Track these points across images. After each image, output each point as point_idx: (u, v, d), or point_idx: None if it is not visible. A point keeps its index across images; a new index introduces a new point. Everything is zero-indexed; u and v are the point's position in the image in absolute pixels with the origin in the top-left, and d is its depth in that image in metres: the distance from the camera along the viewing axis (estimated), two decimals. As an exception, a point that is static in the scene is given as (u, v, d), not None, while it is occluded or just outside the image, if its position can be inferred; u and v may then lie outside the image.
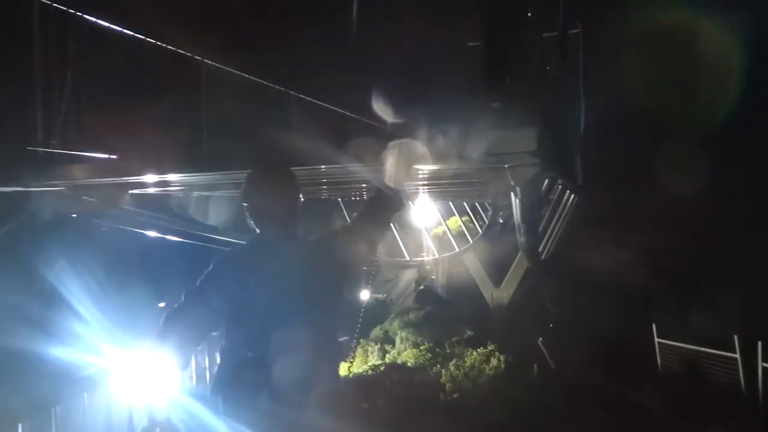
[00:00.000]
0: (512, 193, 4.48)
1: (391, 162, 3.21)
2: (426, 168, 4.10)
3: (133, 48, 5.59)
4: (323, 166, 5.15)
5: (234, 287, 2.93)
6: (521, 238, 7.21)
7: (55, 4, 4.85)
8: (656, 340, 13.65)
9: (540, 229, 7.36)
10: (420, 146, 3.44)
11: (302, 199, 3.14)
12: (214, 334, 3.21)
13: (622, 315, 14.60)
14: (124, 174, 5.15)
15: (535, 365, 13.23)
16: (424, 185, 6.98)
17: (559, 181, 5.53)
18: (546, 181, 4.67)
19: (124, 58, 5.45)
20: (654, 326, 13.74)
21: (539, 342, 14.67)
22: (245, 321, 2.94)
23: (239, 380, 2.95)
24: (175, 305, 2.93)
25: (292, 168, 3.25)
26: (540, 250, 10.34)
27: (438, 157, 3.73)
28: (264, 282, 2.91)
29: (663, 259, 16.00)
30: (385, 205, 3.25)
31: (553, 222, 8.57)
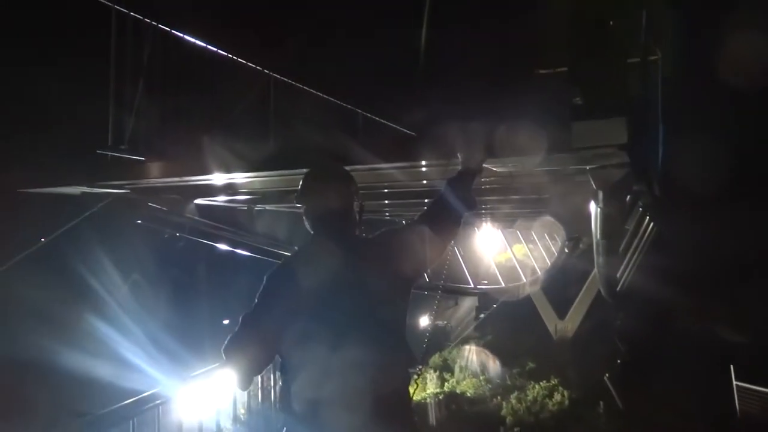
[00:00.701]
0: (592, 201, 4.16)
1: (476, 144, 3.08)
2: (498, 168, 3.85)
3: (204, 58, 5.64)
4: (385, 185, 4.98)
5: (288, 303, 2.78)
6: (599, 259, 6.74)
7: (132, 13, 4.93)
8: (734, 383, 12.82)
9: (620, 249, 6.89)
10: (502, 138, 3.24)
11: (360, 199, 3.03)
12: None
13: (697, 354, 13.80)
14: (189, 182, 5.14)
15: (601, 403, 12.63)
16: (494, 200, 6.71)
17: (641, 203, 5.16)
18: (633, 190, 4.33)
19: (196, 68, 5.49)
20: (732, 368, 12.93)
21: (606, 379, 14.08)
22: (304, 338, 2.76)
23: (302, 405, 2.81)
24: (233, 334, 2.81)
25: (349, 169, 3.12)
26: (617, 276, 9.77)
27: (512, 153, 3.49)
28: (320, 290, 2.75)
29: (744, 302, 15.11)
30: (459, 200, 3.04)
31: (632, 248, 8.06)
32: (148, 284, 5.76)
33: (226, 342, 2.77)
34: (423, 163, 4.17)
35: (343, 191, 2.96)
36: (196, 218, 5.80)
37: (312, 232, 2.94)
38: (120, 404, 3.58)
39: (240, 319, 2.81)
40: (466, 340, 18.94)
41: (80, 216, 4.97)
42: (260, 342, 2.80)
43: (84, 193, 5.14)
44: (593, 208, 4.51)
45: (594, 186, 3.47)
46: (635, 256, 9.68)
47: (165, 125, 5.20)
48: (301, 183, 2.97)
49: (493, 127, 3.21)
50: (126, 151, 4.87)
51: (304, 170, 3.02)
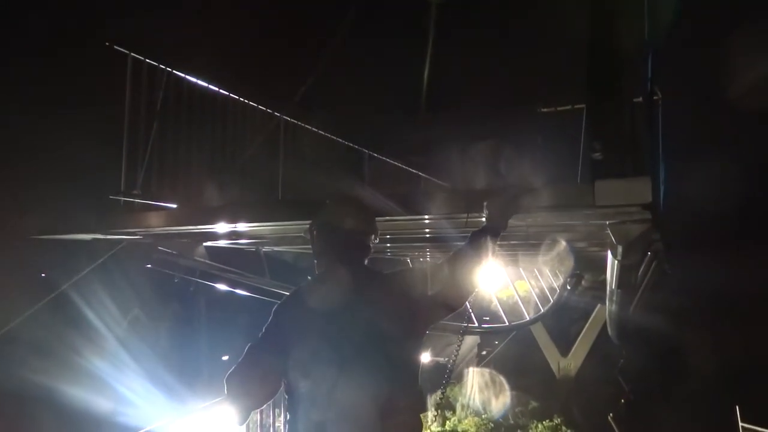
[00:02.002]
0: (609, 254, 4.17)
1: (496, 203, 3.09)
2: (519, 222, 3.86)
3: (215, 103, 5.70)
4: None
5: (296, 333, 2.77)
6: (612, 306, 6.73)
7: (147, 60, 4.99)
8: (740, 424, 12.65)
9: (635, 300, 6.91)
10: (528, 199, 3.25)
11: (375, 233, 3.03)
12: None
13: (701, 395, 13.68)
14: (200, 225, 5.15)
15: (606, 444, 12.50)
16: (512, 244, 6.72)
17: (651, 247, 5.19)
18: (653, 246, 4.35)
19: (208, 113, 5.55)
20: (738, 409, 12.78)
21: (610, 418, 13.94)
22: (308, 373, 2.73)
23: None
24: (237, 364, 2.78)
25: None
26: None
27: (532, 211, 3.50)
28: (331, 319, 2.73)
29: (750, 341, 15.03)
30: (481, 249, 2.96)
31: (640, 289, 8.10)
32: (155, 326, 5.74)
33: (229, 372, 2.74)
34: (434, 216, 4.16)
35: (363, 224, 2.99)
36: (205, 261, 5.81)
37: (323, 262, 2.95)
38: None
39: (245, 349, 2.78)
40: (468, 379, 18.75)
41: (92, 261, 4.97)
42: (264, 373, 2.77)
43: (95, 239, 5.16)
44: (610, 259, 4.52)
45: (614, 240, 3.48)
46: (640, 295, 9.69)
47: (176, 170, 5.23)
48: (321, 213, 2.98)
49: (523, 189, 3.23)
50: (138, 196, 4.89)
51: (310, 220, 3.00)
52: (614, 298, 5.99)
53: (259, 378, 2.77)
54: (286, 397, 2.86)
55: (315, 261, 3.02)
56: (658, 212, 3.35)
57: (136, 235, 5.04)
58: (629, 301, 6.76)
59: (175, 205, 5.04)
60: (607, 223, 3.39)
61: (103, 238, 5.08)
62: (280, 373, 2.80)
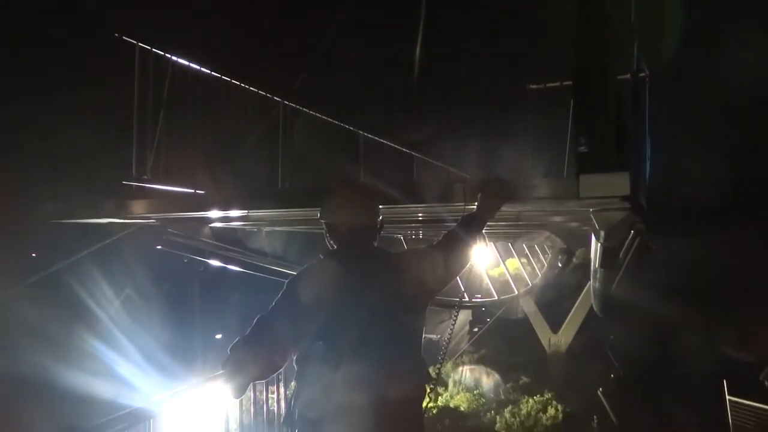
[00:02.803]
0: (593, 237, 4.56)
1: (489, 193, 3.43)
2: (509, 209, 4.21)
3: (218, 90, 5.98)
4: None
5: (313, 309, 2.88)
6: (596, 284, 7.17)
7: (154, 49, 5.28)
8: (727, 397, 13.15)
9: (618, 277, 7.35)
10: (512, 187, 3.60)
11: (381, 217, 3.26)
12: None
13: (691, 369, 14.13)
14: (207, 208, 5.48)
15: (595, 417, 12.95)
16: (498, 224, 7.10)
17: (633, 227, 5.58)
18: (632, 227, 4.71)
19: (211, 99, 5.84)
20: (725, 383, 13.27)
21: (599, 393, 14.36)
22: (326, 342, 2.89)
23: (320, 404, 2.89)
24: (246, 334, 2.87)
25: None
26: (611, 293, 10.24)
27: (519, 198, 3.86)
28: (343, 299, 2.90)
29: (737, 314, 15.50)
30: (471, 232, 3.34)
31: (624, 265, 8.53)
32: (167, 304, 6.04)
33: (236, 341, 2.82)
34: (431, 205, 4.52)
35: (371, 208, 3.22)
36: (211, 242, 6.15)
37: (338, 245, 3.13)
38: (110, 417, 3.49)
39: (255, 320, 2.87)
40: (459, 354, 19.22)
41: (105, 244, 5.28)
42: (274, 345, 2.85)
43: (110, 223, 5.48)
44: (593, 241, 4.91)
45: (597, 226, 3.87)
46: (625, 272, 10.09)
47: (183, 156, 5.54)
48: (326, 209, 3.18)
49: (515, 182, 3.57)
50: (148, 180, 5.22)
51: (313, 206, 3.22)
52: (597, 276, 6.41)
53: (269, 349, 2.85)
54: (296, 367, 2.98)
55: (328, 241, 3.20)
56: (638, 202, 3.73)
57: (150, 220, 5.37)
58: (612, 279, 7.18)
59: (182, 189, 5.37)
60: (591, 210, 3.77)
61: (118, 222, 5.42)
62: (291, 346, 2.91)
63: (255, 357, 2.83)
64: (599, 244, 4.59)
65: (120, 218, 5.29)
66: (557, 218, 5.83)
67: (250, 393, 4.53)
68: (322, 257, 3.14)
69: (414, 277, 3.11)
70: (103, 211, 5.28)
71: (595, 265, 5.77)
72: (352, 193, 3.35)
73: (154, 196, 5.31)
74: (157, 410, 3.56)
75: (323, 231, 3.21)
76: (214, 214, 5.43)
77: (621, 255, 5.46)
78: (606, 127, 3.58)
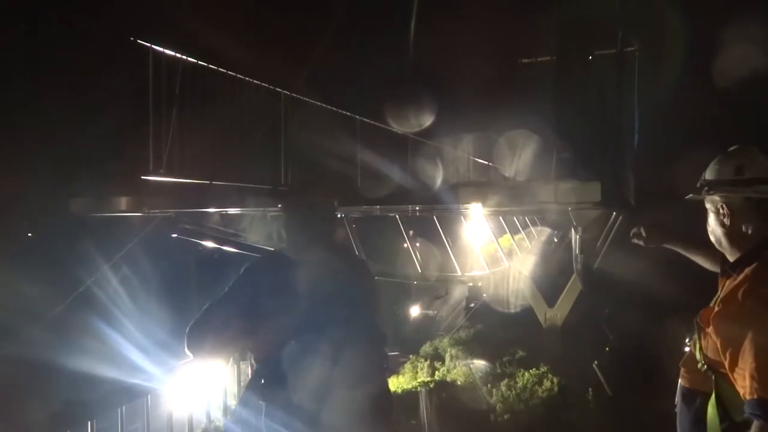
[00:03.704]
0: (573, 230, 5.15)
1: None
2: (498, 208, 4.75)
3: (226, 85, 6.49)
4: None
5: (280, 297, 3.04)
6: (577, 266, 7.81)
7: (166, 51, 5.77)
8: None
9: (597, 262, 8.02)
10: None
11: (334, 216, 3.46)
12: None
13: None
14: (219, 197, 6.03)
15: (590, 389, 13.51)
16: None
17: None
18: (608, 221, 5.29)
19: (219, 94, 6.35)
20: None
21: (594, 366, 14.89)
22: (298, 333, 3.04)
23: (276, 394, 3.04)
24: (204, 321, 3.05)
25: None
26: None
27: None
28: (320, 291, 3.07)
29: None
30: None
31: (606, 246, 9.19)
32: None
33: (193, 326, 3.00)
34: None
35: (329, 203, 3.42)
36: (222, 228, 6.70)
37: (296, 237, 3.29)
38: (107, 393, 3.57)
39: (214, 305, 3.06)
40: (455, 329, 19.80)
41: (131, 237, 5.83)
42: (235, 332, 3.06)
43: (133, 216, 6.02)
44: (573, 233, 5.52)
45: (574, 222, 4.47)
46: (604, 248, 10.64)
47: (195, 149, 6.08)
48: (285, 213, 3.35)
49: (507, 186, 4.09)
50: (164, 174, 5.76)
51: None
52: (578, 261, 7.04)
53: (229, 338, 3.08)
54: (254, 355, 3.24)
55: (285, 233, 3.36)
56: (611, 204, 4.31)
57: (168, 212, 5.92)
58: (592, 263, 7.81)
59: (195, 181, 5.92)
60: (570, 208, 4.35)
61: (139, 215, 5.97)
62: (249, 334, 3.10)
63: (214, 345, 3.10)
64: (578, 236, 5.19)
65: (141, 212, 5.84)
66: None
67: (248, 368, 4.54)
68: (282, 248, 3.42)
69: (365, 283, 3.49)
70: (125, 206, 5.82)
71: (575, 251, 6.40)
72: (312, 190, 3.59)
73: (169, 188, 5.85)
74: (155, 386, 3.56)
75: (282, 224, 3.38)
76: (222, 206, 5.97)
77: (599, 244, 6.04)
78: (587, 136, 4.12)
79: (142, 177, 5.64)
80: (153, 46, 5.65)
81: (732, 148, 2.81)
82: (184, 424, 4.00)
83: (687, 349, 3.26)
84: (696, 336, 3.01)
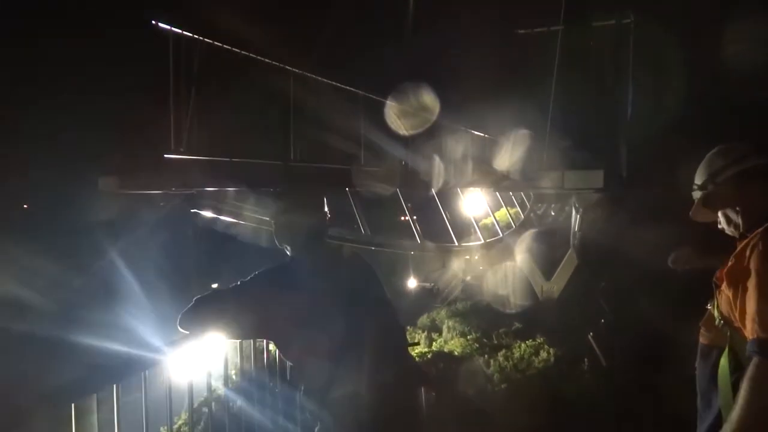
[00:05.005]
0: (574, 209, 5.58)
1: None
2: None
3: (242, 65, 6.81)
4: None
5: (289, 313, 3.08)
6: (575, 242, 8.24)
7: (185, 32, 6.08)
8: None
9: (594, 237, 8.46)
10: None
11: (327, 215, 3.44)
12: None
13: (679, 315, 15.06)
14: (236, 174, 6.40)
15: (585, 360, 14.01)
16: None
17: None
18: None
19: (236, 74, 6.67)
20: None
21: (590, 337, 15.36)
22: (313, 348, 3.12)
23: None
24: (201, 309, 3.17)
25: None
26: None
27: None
28: (321, 304, 3.12)
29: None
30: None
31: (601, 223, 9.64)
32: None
33: (189, 312, 3.14)
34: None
35: (320, 206, 3.41)
36: (238, 203, 7.08)
37: (297, 247, 3.32)
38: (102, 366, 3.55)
39: (213, 297, 3.22)
40: (453, 301, 20.27)
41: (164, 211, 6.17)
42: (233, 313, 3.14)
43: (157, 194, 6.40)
44: (574, 213, 5.95)
45: (577, 204, 4.89)
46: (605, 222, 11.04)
47: (213, 129, 6.43)
48: (277, 207, 3.42)
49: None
50: (184, 152, 6.13)
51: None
52: (576, 237, 7.47)
53: (225, 324, 3.18)
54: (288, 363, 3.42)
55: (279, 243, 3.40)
56: (612, 189, 4.71)
57: (190, 190, 6.29)
58: (590, 238, 8.23)
59: (215, 158, 6.29)
60: (574, 192, 4.76)
61: (161, 192, 6.33)
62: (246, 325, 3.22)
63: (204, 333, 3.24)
64: (579, 216, 5.61)
65: (165, 189, 6.21)
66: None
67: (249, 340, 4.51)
68: (286, 260, 3.37)
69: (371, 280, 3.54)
70: (148, 184, 6.19)
71: (574, 229, 6.85)
72: (301, 194, 3.58)
73: (189, 165, 6.22)
74: (154, 359, 3.54)
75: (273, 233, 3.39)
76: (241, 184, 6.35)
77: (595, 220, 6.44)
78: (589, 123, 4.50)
79: (165, 155, 5.99)
80: (173, 28, 5.95)
81: (720, 147, 3.20)
82: (184, 395, 4.01)
83: (708, 307, 3.61)
84: (714, 297, 3.38)
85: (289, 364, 3.78)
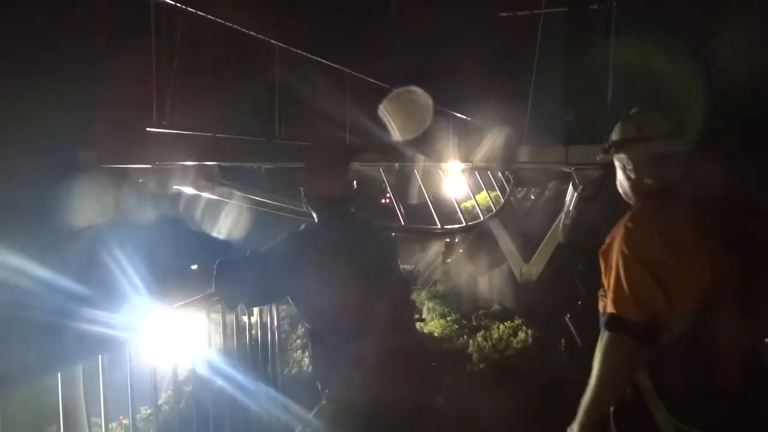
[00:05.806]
0: (571, 186, 5.51)
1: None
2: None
3: (226, 37, 6.63)
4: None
5: (312, 270, 3.07)
6: (565, 220, 8.20)
7: (168, 1, 5.88)
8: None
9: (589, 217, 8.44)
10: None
11: (354, 179, 3.41)
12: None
13: None
14: (219, 150, 6.25)
15: (562, 341, 14.13)
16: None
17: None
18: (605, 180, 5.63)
19: (219, 47, 6.49)
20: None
21: (567, 318, 15.51)
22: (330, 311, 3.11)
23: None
24: (232, 264, 3.19)
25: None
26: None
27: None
28: (345, 257, 3.13)
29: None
30: None
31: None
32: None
33: (222, 265, 3.14)
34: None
35: (345, 175, 3.37)
36: (225, 182, 6.93)
37: (321, 214, 3.31)
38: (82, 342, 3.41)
39: (248, 257, 3.20)
40: (433, 283, 20.30)
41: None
42: (261, 288, 3.16)
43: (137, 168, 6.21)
44: (570, 190, 5.89)
45: (577, 181, 4.81)
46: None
47: (196, 102, 6.26)
48: (306, 170, 3.38)
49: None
50: (167, 126, 5.95)
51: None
52: (568, 215, 7.42)
53: (253, 288, 3.17)
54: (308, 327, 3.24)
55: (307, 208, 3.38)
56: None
57: (176, 164, 6.12)
58: (582, 218, 8.22)
59: (199, 133, 6.12)
60: (572, 168, 4.69)
61: (143, 167, 6.15)
62: (279, 296, 3.38)
63: (239, 290, 3.20)
64: (576, 194, 5.55)
65: (147, 164, 6.03)
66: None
67: (232, 318, 4.47)
68: (309, 224, 3.37)
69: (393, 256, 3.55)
70: (131, 158, 6.00)
71: (568, 207, 6.78)
72: (328, 158, 3.49)
73: (172, 140, 6.04)
74: (133, 335, 3.41)
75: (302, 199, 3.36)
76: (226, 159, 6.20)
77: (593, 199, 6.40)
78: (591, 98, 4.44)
79: (147, 129, 5.81)
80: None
81: (633, 111, 3.13)
82: (166, 374, 3.87)
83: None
84: None
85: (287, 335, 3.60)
